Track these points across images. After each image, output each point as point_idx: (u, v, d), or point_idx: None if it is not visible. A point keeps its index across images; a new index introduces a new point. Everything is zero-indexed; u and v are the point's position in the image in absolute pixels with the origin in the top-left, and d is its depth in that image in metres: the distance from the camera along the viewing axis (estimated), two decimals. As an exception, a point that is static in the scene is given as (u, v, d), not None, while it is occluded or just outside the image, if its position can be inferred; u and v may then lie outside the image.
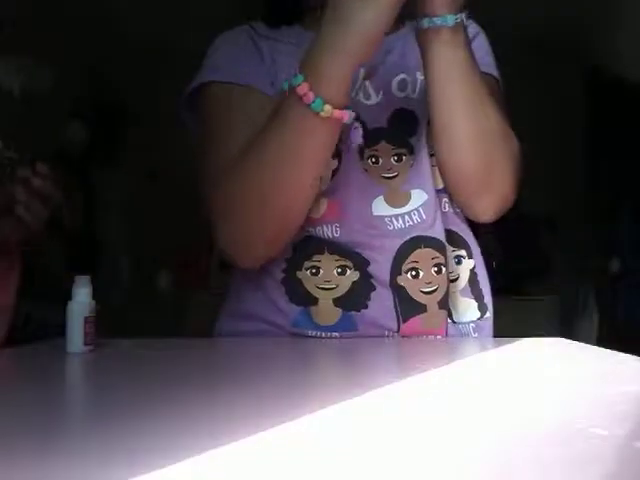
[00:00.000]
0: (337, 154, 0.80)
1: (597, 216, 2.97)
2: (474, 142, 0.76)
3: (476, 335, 0.84)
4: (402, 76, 0.86)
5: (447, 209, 0.84)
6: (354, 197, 0.81)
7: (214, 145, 0.81)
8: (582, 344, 0.74)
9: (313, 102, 0.66)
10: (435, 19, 0.70)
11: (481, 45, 0.89)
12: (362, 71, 0.84)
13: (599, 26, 2.93)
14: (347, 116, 0.68)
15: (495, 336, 0.85)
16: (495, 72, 0.89)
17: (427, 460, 0.32)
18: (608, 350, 0.66)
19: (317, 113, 0.66)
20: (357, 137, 0.80)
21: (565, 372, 0.58)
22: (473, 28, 0.90)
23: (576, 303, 3.05)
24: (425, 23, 0.71)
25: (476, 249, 0.87)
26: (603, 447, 0.33)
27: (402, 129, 0.84)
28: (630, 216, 2.85)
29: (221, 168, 0.76)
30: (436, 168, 0.82)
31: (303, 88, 0.66)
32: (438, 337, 0.81)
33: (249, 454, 0.32)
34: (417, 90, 0.85)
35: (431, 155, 0.82)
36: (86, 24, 2.95)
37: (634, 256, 2.77)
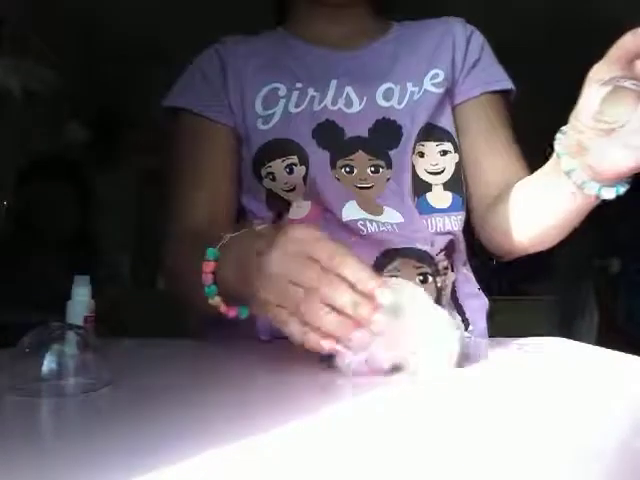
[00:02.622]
0: (304, 161, 0.79)
1: (597, 216, 2.97)
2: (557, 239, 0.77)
3: None
4: (388, 85, 0.83)
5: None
6: (327, 201, 0.79)
7: (177, 200, 0.88)
8: (582, 344, 0.74)
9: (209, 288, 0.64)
10: (610, 190, 0.65)
11: (489, 61, 0.87)
12: (334, 82, 0.83)
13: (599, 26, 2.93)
14: (234, 313, 0.66)
15: (495, 336, 0.84)
16: (508, 83, 0.87)
17: (426, 460, 0.32)
18: (608, 350, 0.66)
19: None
20: None
21: (564, 372, 0.58)
22: (477, 37, 0.88)
23: (576, 303, 3.04)
24: (594, 190, 0.64)
25: (462, 266, 0.86)
26: (603, 446, 0.33)
27: (382, 140, 0.81)
28: (630, 216, 2.85)
29: (175, 231, 0.83)
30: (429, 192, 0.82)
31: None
32: None
33: (248, 455, 0.32)
34: (405, 101, 0.82)
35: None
36: (86, 24, 2.95)
37: (634, 256, 2.77)
